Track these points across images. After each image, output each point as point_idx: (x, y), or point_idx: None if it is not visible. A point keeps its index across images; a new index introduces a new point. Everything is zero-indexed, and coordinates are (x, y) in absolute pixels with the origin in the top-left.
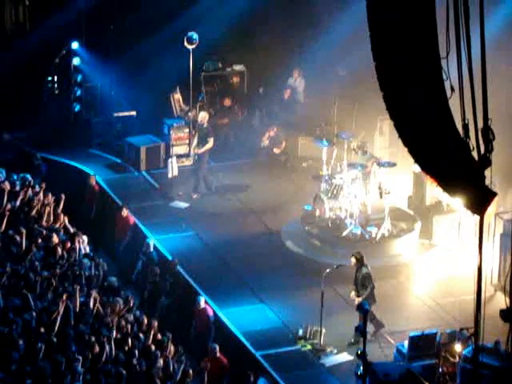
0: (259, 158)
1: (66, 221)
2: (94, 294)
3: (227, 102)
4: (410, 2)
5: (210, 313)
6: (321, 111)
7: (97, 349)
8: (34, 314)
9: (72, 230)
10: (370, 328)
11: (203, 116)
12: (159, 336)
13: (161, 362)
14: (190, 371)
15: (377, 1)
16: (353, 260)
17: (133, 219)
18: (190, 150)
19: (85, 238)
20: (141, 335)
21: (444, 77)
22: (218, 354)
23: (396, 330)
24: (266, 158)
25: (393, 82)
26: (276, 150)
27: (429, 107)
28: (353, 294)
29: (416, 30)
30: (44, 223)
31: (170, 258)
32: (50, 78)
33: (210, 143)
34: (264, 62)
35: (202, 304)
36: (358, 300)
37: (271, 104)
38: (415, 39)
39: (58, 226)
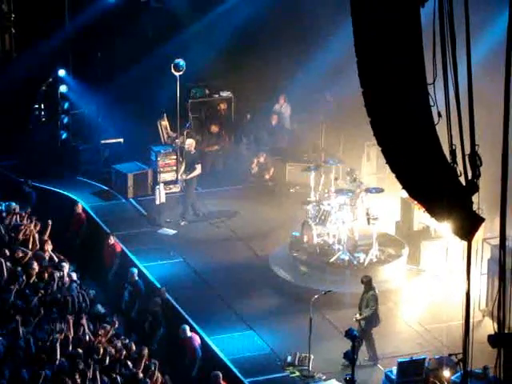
0: (247, 184)
1: (50, 248)
2: (83, 321)
3: (214, 129)
4: (396, 28)
5: (197, 342)
6: (308, 137)
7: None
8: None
9: (56, 258)
10: (363, 353)
11: (190, 142)
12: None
13: None
14: None
15: (363, 27)
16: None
17: (120, 246)
18: (177, 176)
19: (66, 265)
20: (129, 363)
21: (431, 103)
22: (222, 382)
23: (384, 356)
24: (253, 185)
25: (380, 107)
26: (266, 176)
27: (416, 133)
28: (357, 315)
29: (403, 56)
30: (29, 249)
31: (158, 285)
32: (36, 106)
33: (198, 169)
34: (251, 89)
35: (188, 333)
36: (356, 318)
37: (259, 130)
38: (402, 65)
39: (43, 252)
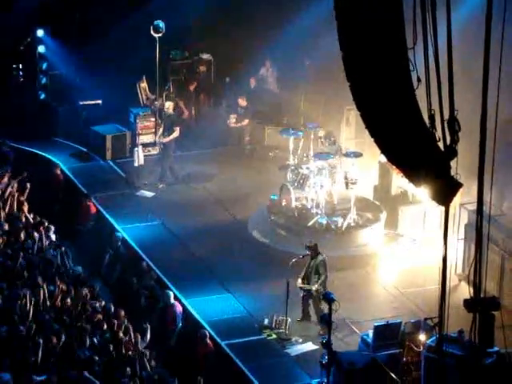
0: (226, 147)
1: (26, 209)
2: (61, 283)
3: (192, 87)
4: None
5: (179, 310)
6: (290, 102)
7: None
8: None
9: (32, 219)
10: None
11: (169, 105)
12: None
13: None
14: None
15: None
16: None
17: (95, 208)
18: (155, 138)
19: (52, 227)
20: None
21: (411, 67)
22: (208, 341)
23: (361, 320)
24: (232, 148)
25: (359, 72)
26: (246, 138)
27: (395, 98)
28: (299, 281)
29: (383, 20)
30: (7, 210)
31: (137, 249)
32: (15, 66)
33: (176, 132)
34: (232, 52)
35: (171, 300)
36: (316, 287)
37: (238, 94)
38: (382, 29)
39: (20, 214)
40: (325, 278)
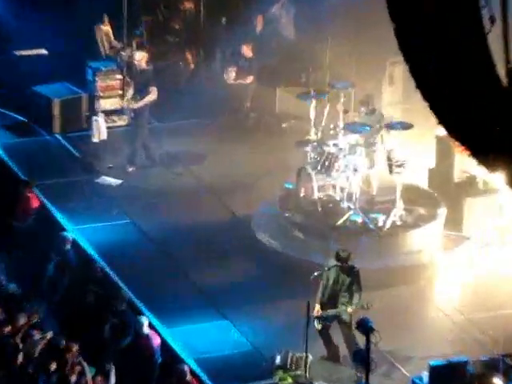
0: (221, 116)
1: None
2: None
3: (173, 25)
4: None
5: (156, 342)
6: (309, 52)
7: None
8: None
9: None
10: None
11: (141, 56)
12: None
13: None
14: None
15: None
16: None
17: (38, 201)
18: (123, 104)
19: None
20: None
21: (481, 2)
22: (189, 378)
23: (411, 357)
24: (230, 117)
25: (408, 8)
26: (247, 104)
27: (458, 44)
28: (317, 308)
29: None
30: None
31: (95, 256)
32: None
33: (152, 94)
34: None
35: (145, 329)
36: (351, 307)
37: (238, 40)
38: None
39: None
40: (358, 300)
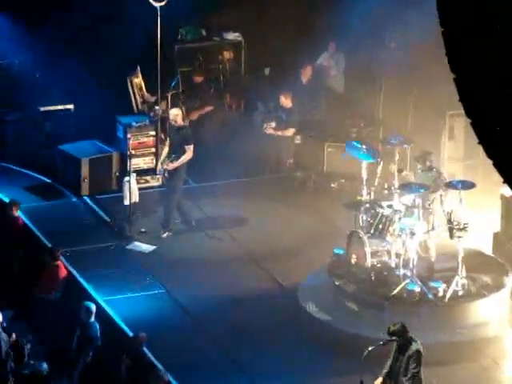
0: (263, 175)
1: None
2: None
3: (198, 79)
4: None
5: None
6: (361, 105)
7: None
8: None
9: None
10: None
11: (176, 112)
12: None
13: None
14: None
15: None
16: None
17: (65, 271)
18: (157, 163)
19: None
20: None
21: None
22: None
23: None
24: (273, 177)
25: (471, 57)
26: (289, 161)
27: None
28: (379, 381)
29: None
30: None
31: (128, 331)
32: None
33: (189, 153)
34: (272, 29)
35: None
36: None
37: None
38: None
39: None
40: (414, 378)
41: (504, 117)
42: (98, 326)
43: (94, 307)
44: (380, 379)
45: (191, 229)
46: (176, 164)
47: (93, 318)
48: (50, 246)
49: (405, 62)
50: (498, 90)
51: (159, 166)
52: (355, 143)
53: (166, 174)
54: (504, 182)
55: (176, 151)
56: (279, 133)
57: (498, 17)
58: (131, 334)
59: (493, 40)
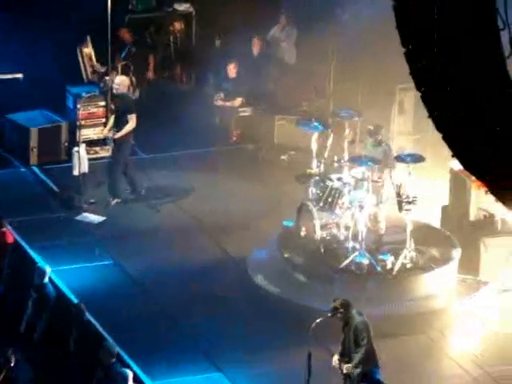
0: (214, 147)
1: None
2: None
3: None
4: None
5: None
6: (313, 78)
7: None
8: None
9: None
10: None
11: (121, 81)
12: None
13: None
14: None
15: None
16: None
17: (12, 237)
18: (106, 133)
19: None
20: None
21: (500, 25)
22: None
23: None
24: (224, 148)
25: (420, 29)
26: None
27: (475, 69)
28: (335, 358)
29: None
30: None
31: (74, 300)
32: None
33: (131, 123)
34: (224, 0)
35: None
36: (346, 367)
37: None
38: None
39: None
40: (364, 351)
41: (453, 89)
42: (52, 288)
43: (48, 269)
44: (336, 356)
45: (141, 199)
46: (119, 134)
47: (47, 280)
48: None
49: (357, 35)
50: (448, 62)
51: (107, 134)
52: (310, 119)
53: (111, 144)
54: (453, 156)
55: (120, 120)
56: (228, 104)
57: None
58: (75, 301)
59: (438, 15)
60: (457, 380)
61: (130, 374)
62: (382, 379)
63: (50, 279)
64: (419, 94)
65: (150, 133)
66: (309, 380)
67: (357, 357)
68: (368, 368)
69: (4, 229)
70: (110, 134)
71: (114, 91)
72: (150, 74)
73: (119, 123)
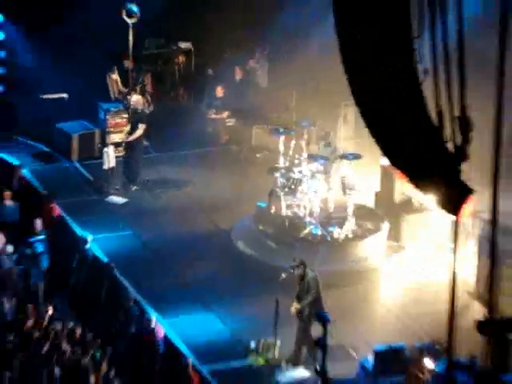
0: (208, 147)
1: None
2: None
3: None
4: None
5: (160, 335)
6: (280, 97)
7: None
8: None
9: None
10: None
11: (136, 99)
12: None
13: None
14: None
15: None
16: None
17: (58, 211)
18: (123, 138)
19: (1, 237)
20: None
21: (417, 58)
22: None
23: (359, 344)
24: (215, 149)
25: (358, 62)
26: (223, 138)
27: (399, 92)
28: (293, 308)
29: (386, 4)
30: None
31: (105, 260)
32: None
33: (139, 131)
34: (215, 40)
35: (153, 324)
36: (295, 307)
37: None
38: (385, 14)
39: None
40: (312, 297)
41: (383, 108)
42: (91, 252)
43: (89, 237)
44: (293, 306)
45: (152, 187)
46: (130, 138)
47: (88, 245)
48: (46, 193)
49: (312, 66)
50: (378, 87)
51: (124, 139)
52: (278, 127)
53: (125, 146)
54: (383, 155)
55: (133, 128)
56: (218, 116)
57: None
58: (106, 260)
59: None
60: (384, 319)
61: (153, 317)
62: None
63: (89, 245)
64: (358, 110)
65: (160, 137)
66: (277, 320)
67: (305, 300)
68: (316, 311)
69: (52, 204)
70: (124, 139)
71: (132, 107)
72: (149, 88)
73: (133, 130)
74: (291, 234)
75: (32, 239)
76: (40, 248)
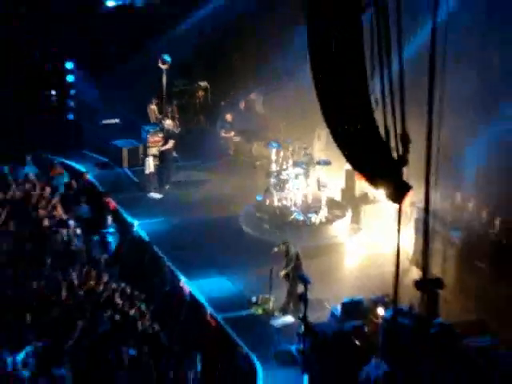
0: (220, 158)
1: (60, 210)
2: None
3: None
4: (342, 30)
5: (187, 291)
6: (273, 121)
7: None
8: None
9: (65, 217)
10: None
11: (169, 122)
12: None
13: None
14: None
15: (316, 31)
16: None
17: (114, 205)
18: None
19: (72, 222)
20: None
21: (370, 91)
22: (209, 317)
23: (331, 298)
24: (225, 159)
25: (328, 97)
26: (230, 151)
27: (357, 117)
28: (280, 274)
29: (347, 55)
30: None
31: (147, 239)
32: (51, 92)
33: (168, 145)
34: (226, 80)
35: (182, 283)
36: (283, 272)
37: (230, 113)
38: (346, 63)
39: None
40: (293, 264)
41: (344, 133)
42: (137, 233)
43: (135, 222)
44: (282, 271)
45: (181, 187)
46: (162, 148)
47: (135, 228)
48: (103, 190)
49: (298, 97)
50: (340, 117)
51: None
52: (272, 142)
53: (158, 154)
54: (347, 162)
55: (165, 143)
56: (227, 135)
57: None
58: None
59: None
60: (348, 279)
61: (182, 279)
62: (310, 280)
63: (135, 228)
64: (329, 131)
65: (186, 150)
66: (271, 282)
67: (289, 267)
68: (298, 274)
69: (108, 199)
70: (158, 149)
71: (165, 128)
72: (177, 114)
73: (165, 144)
74: (281, 219)
75: (104, 230)
76: (110, 238)
